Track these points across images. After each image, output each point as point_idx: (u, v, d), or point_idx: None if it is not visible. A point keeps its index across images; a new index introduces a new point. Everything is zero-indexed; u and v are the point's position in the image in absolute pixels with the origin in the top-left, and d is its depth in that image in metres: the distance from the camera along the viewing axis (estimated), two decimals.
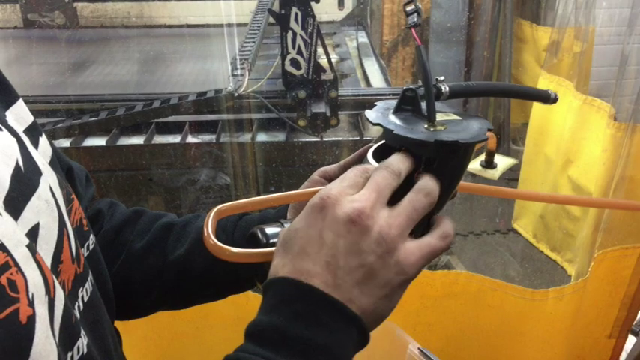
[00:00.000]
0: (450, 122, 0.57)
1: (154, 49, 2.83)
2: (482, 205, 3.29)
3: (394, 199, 0.53)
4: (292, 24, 1.80)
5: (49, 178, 0.51)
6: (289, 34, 1.82)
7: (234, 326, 1.27)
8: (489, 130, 0.56)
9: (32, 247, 0.43)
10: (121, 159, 1.90)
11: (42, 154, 0.55)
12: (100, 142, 1.94)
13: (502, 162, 0.88)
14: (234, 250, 0.54)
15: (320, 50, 1.93)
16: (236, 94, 1.89)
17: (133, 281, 0.70)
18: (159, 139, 1.98)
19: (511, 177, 3.45)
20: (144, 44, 2.94)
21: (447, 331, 1.36)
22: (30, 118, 0.57)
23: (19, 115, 0.55)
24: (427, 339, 1.20)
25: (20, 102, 0.56)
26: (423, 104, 0.57)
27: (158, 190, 1.90)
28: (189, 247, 0.68)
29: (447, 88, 0.59)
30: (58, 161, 0.60)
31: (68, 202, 0.55)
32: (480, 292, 1.33)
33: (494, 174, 0.86)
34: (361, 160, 0.61)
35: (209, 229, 0.55)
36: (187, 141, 1.94)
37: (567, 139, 2.28)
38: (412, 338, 1.16)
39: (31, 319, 0.39)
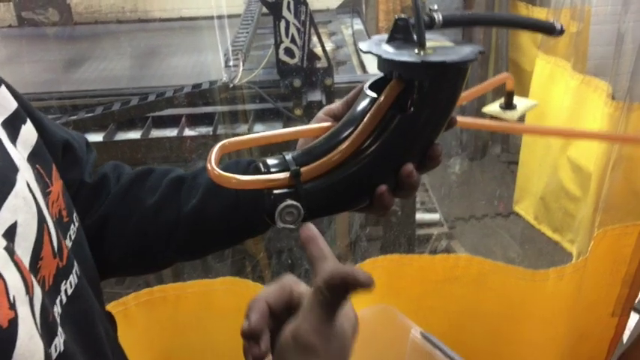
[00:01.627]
0: (441, 47, 0.57)
1: (148, 44, 2.82)
2: (482, 189, 3.29)
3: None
4: (285, 12, 1.79)
5: (26, 174, 0.51)
6: (282, 23, 1.81)
7: (236, 316, 1.27)
8: (481, 52, 0.56)
9: (10, 249, 0.42)
10: (118, 154, 1.89)
11: (22, 144, 0.54)
12: (97, 137, 1.94)
13: (522, 103, 0.88)
14: (238, 177, 0.55)
15: (315, 39, 1.92)
16: (231, 85, 1.88)
17: (149, 237, 0.70)
18: (156, 133, 1.97)
19: (511, 160, 3.45)
20: (139, 38, 2.92)
21: (448, 314, 1.36)
22: (12, 106, 0.56)
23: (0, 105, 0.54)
24: (429, 323, 1.20)
25: (2, 89, 0.55)
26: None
27: None
28: (202, 197, 0.69)
29: (440, 17, 0.59)
30: (49, 143, 0.59)
31: (45, 195, 0.54)
32: (481, 275, 1.33)
33: (514, 115, 0.86)
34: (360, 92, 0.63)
35: (212, 162, 0.57)
36: (184, 134, 1.94)
37: (566, 119, 2.27)
38: (414, 323, 1.16)
39: (13, 322, 0.38)
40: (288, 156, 0.59)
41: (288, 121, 1.97)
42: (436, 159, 0.59)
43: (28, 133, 0.57)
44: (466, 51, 0.56)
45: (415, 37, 0.56)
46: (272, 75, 2.01)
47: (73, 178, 0.68)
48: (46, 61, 2.61)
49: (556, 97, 2.37)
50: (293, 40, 1.84)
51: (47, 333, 0.45)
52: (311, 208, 0.57)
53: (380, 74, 0.60)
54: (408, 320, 1.16)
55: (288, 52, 1.86)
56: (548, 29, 0.63)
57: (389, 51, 0.56)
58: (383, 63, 0.56)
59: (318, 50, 1.97)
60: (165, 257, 0.74)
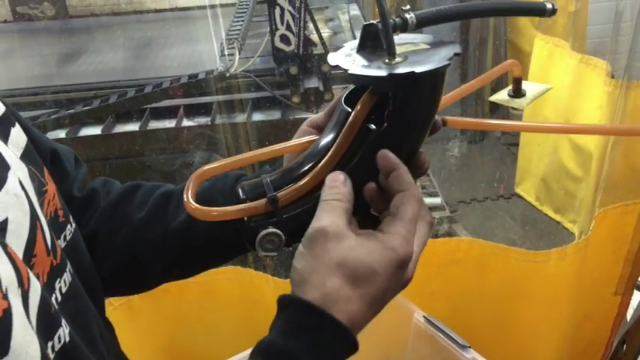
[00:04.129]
0: (413, 53, 0.54)
1: (143, 35, 2.81)
2: (483, 172, 3.29)
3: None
4: None
5: (19, 172, 0.51)
6: (277, 10, 1.80)
7: (239, 305, 1.28)
8: (456, 54, 0.52)
9: (2, 241, 0.42)
10: (117, 146, 1.89)
11: (13, 145, 0.54)
12: (95, 131, 1.94)
13: (532, 89, 0.84)
14: (216, 209, 0.54)
15: (311, 25, 1.91)
16: (227, 75, 1.87)
17: (138, 253, 0.69)
18: (154, 125, 1.97)
19: (511, 142, 3.44)
20: (134, 30, 2.91)
21: (451, 298, 1.37)
22: (0, 109, 0.56)
23: None
24: (432, 307, 1.20)
25: None
26: (396, 37, 0.54)
27: (155, 175, 1.89)
28: None
29: (414, 18, 0.55)
30: (35, 150, 0.59)
31: (40, 194, 0.54)
32: (483, 258, 1.33)
33: (522, 103, 0.83)
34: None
35: (188, 194, 0.55)
36: (183, 125, 1.93)
37: (565, 99, 2.26)
38: (417, 307, 1.16)
39: (7, 311, 0.39)
40: (266, 179, 0.57)
41: (285, 109, 1.96)
42: (421, 167, 0.58)
43: (18, 135, 0.57)
44: (440, 55, 0.52)
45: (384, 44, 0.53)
46: (268, 63, 2.00)
47: (61, 190, 0.66)
48: (41, 56, 2.61)
49: (555, 77, 2.36)
50: (288, 27, 1.83)
51: (49, 324, 0.45)
52: (292, 232, 0.55)
53: None
54: (411, 304, 1.16)
55: (284, 39, 1.85)
56: (539, 11, 0.59)
57: (358, 63, 0.54)
58: (351, 76, 0.53)
59: (315, 37, 1.96)
60: (154, 274, 0.72)
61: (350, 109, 0.56)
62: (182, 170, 1.88)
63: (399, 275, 0.51)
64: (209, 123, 1.92)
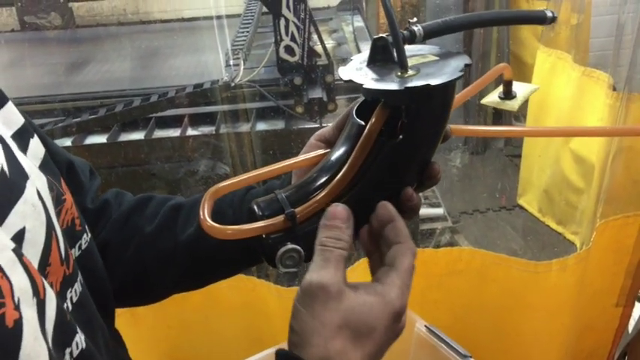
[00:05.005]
0: (424, 65, 0.55)
1: (150, 45, 2.83)
2: (485, 183, 3.29)
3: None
4: (284, 11, 1.80)
5: (37, 182, 0.52)
6: (282, 21, 1.82)
7: (242, 312, 1.28)
8: (467, 65, 0.53)
9: (18, 251, 0.43)
10: (122, 155, 1.91)
11: (32, 156, 0.55)
12: (101, 139, 1.95)
13: (522, 90, 0.85)
14: (233, 227, 0.54)
15: (315, 36, 1.93)
16: (232, 84, 1.89)
17: (147, 265, 0.70)
18: (159, 134, 1.98)
19: (513, 153, 3.45)
20: (141, 40, 2.93)
21: (453, 307, 1.37)
22: (20, 121, 0.57)
23: (8, 119, 0.55)
24: (434, 316, 1.20)
25: (9, 105, 0.56)
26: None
27: (160, 183, 1.91)
28: (200, 225, 0.68)
29: (421, 30, 0.56)
30: (53, 161, 0.60)
31: (58, 202, 0.55)
32: (484, 268, 1.33)
33: (514, 104, 0.84)
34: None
35: (205, 211, 0.55)
36: (187, 134, 1.95)
37: (568, 111, 2.27)
38: (418, 316, 1.17)
39: (18, 322, 0.39)
40: (281, 195, 0.57)
41: (289, 119, 1.98)
42: (434, 177, 0.59)
43: (37, 146, 0.58)
44: (452, 66, 0.53)
45: (396, 57, 0.54)
46: (273, 73, 2.02)
47: (75, 201, 0.68)
48: (48, 65, 2.63)
49: (558, 89, 2.37)
50: (293, 38, 1.85)
51: (66, 332, 0.46)
52: (311, 247, 0.55)
53: None
54: (413, 313, 1.17)
55: (289, 50, 1.87)
56: (540, 19, 0.60)
57: (370, 77, 0.54)
58: (363, 90, 0.54)
59: (319, 48, 1.97)
60: (162, 286, 0.73)
61: (362, 122, 0.56)
62: (187, 178, 1.89)
63: (394, 327, 0.52)
64: (214, 132, 1.93)
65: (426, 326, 1.14)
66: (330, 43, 2.54)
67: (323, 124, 1.95)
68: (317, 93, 1.94)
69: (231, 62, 1.99)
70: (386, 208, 0.54)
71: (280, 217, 0.55)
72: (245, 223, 0.55)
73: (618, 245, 1.38)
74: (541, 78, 2.52)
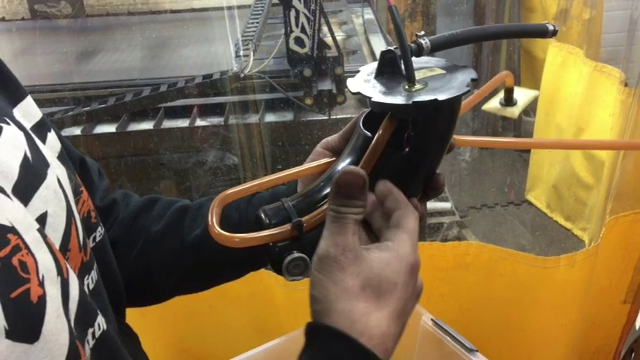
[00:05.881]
0: (432, 78, 0.55)
1: (159, 35, 2.83)
2: (494, 177, 3.28)
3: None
4: (295, 2, 1.79)
5: (57, 170, 0.52)
6: (292, 13, 1.81)
7: (249, 304, 1.29)
8: (473, 80, 0.54)
9: (42, 232, 0.44)
10: (131, 144, 1.91)
11: (50, 148, 0.56)
12: (110, 128, 1.96)
13: (522, 96, 0.86)
14: (240, 235, 0.55)
15: (325, 28, 1.92)
16: (242, 75, 1.89)
17: (153, 266, 0.70)
18: (168, 124, 1.99)
19: (522, 149, 3.43)
20: (150, 30, 2.94)
21: (459, 302, 1.37)
22: (38, 115, 0.58)
23: (27, 112, 0.56)
24: (440, 310, 1.20)
25: (28, 99, 0.57)
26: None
27: (168, 173, 1.91)
28: (206, 227, 0.68)
29: (428, 43, 0.57)
30: (68, 155, 0.61)
31: (76, 193, 0.56)
32: (491, 262, 1.33)
33: (514, 111, 0.84)
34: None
35: (213, 217, 0.56)
36: (196, 124, 1.95)
37: (578, 106, 2.26)
38: (425, 310, 1.17)
39: (42, 298, 0.40)
40: (288, 203, 0.58)
41: (298, 110, 1.98)
42: (439, 189, 0.59)
43: (54, 140, 0.59)
44: (459, 80, 0.54)
45: (403, 69, 0.54)
46: (282, 65, 2.01)
47: None
48: (58, 53, 2.63)
49: (569, 84, 2.36)
50: (303, 30, 1.84)
51: (89, 312, 0.47)
52: None
53: None
54: (419, 307, 1.17)
55: (299, 41, 1.87)
56: (542, 32, 0.62)
57: (377, 89, 0.55)
58: (371, 103, 0.54)
59: (329, 39, 1.97)
60: (167, 287, 0.73)
61: (369, 134, 0.57)
62: (195, 169, 1.90)
63: (413, 283, 0.52)
64: (222, 123, 1.93)
65: (432, 320, 1.13)
66: (340, 35, 2.53)
67: (332, 116, 1.94)
68: (326, 85, 1.94)
69: (241, 53, 1.98)
70: (384, 184, 0.55)
71: (287, 226, 0.55)
72: (251, 228, 0.56)
73: (627, 242, 1.38)
74: (552, 73, 2.51)
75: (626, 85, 1.94)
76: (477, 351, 1.03)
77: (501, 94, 0.86)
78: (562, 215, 2.53)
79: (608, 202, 1.46)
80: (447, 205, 2.68)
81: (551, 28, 0.61)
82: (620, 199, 1.43)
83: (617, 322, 1.47)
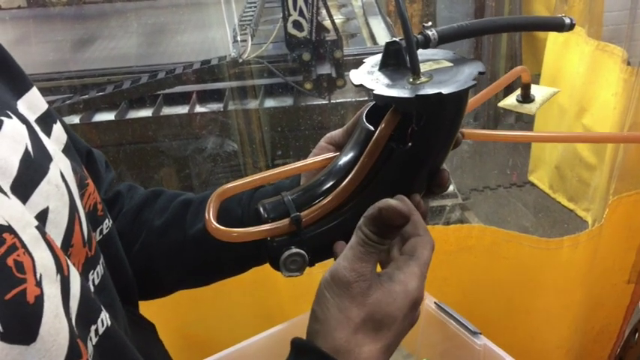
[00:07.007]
0: (437, 71, 0.54)
1: (156, 21, 2.82)
2: (496, 159, 3.27)
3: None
4: None
5: (61, 164, 0.52)
6: None
7: (252, 290, 1.29)
8: (481, 73, 0.52)
9: (41, 229, 0.43)
10: (130, 132, 1.90)
11: (55, 141, 0.55)
12: (109, 116, 1.95)
13: (540, 93, 0.84)
14: (238, 230, 0.54)
15: (324, 11, 1.90)
16: (240, 61, 1.88)
17: (155, 259, 0.70)
18: (167, 111, 1.98)
19: (524, 129, 3.42)
20: (147, 16, 2.92)
21: (462, 284, 1.37)
22: (44, 106, 0.57)
23: (32, 104, 0.56)
24: (443, 293, 1.20)
25: (33, 90, 0.57)
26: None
27: (168, 160, 1.91)
28: None
29: (436, 34, 0.55)
30: (74, 147, 0.60)
31: (82, 186, 0.56)
32: (494, 245, 1.32)
33: (532, 108, 0.83)
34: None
35: (210, 212, 0.55)
36: (195, 111, 1.94)
37: (581, 86, 2.24)
38: (428, 293, 1.17)
39: (39, 298, 0.39)
40: (287, 197, 0.56)
41: (297, 95, 1.96)
42: (443, 185, 0.58)
43: (60, 131, 0.58)
44: (465, 74, 0.52)
45: (408, 62, 0.52)
46: (281, 49, 2.00)
47: None
48: (55, 41, 2.62)
49: (571, 63, 2.33)
50: (301, 13, 1.82)
51: (91, 309, 0.46)
52: (315, 251, 0.55)
53: None
54: None
55: (297, 25, 1.85)
56: (557, 26, 0.59)
57: (381, 82, 0.53)
58: (374, 95, 0.53)
59: (327, 23, 1.95)
60: (169, 281, 0.73)
61: (372, 127, 0.56)
62: (195, 156, 1.89)
63: (411, 316, 0.52)
64: (222, 109, 1.93)
65: (435, 303, 1.13)
66: (339, 18, 2.51)
67: (332, 101, 1.93)
68: (326, 69, 1.92)
69: (239, 38, 1.97)
70: (404, 202, 0.53)
71: (285, 221, 0.55)
72: (253, 222, 0.55)
73: (631, 222, 1.37)
74: (554, 52, 2.48)
75: (628, 63, 1.92)
76: (480, 333, 1.03)
77: (518, 91, 0.83)
78: (565, 196, 2.52)
79: (611, 183, 1.45)
80: (449, 188, 2.66)
81: (567, 21, 0.58)
82: (623, 179, 1.42)
83: (621, 302, 1.47)
